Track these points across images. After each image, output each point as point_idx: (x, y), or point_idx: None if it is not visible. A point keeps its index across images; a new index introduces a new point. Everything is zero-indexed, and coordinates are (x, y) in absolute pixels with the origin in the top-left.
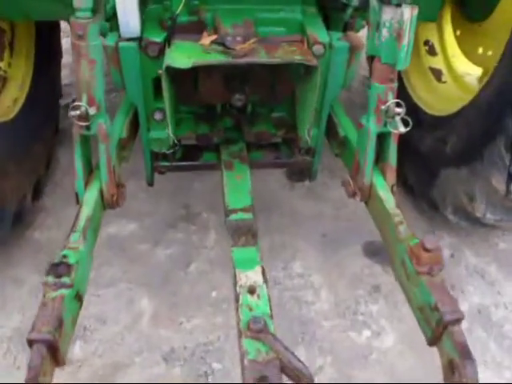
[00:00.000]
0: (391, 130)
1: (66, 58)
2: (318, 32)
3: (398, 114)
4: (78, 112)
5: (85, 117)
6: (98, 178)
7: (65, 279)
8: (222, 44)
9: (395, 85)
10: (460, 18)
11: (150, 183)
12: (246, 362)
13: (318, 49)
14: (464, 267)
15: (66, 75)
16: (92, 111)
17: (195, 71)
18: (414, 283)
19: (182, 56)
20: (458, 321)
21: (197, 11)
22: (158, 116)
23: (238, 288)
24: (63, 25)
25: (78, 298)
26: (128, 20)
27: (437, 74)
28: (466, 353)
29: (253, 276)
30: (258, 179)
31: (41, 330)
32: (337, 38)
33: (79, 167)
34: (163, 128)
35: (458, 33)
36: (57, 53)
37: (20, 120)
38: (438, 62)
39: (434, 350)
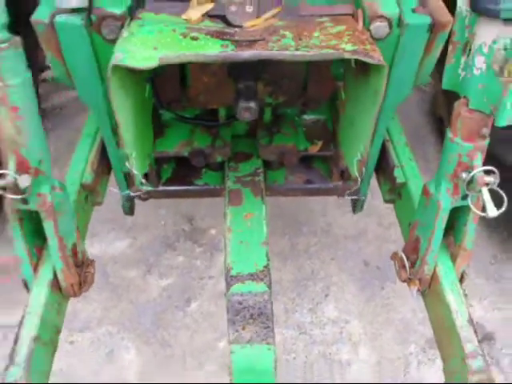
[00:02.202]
0: (473, 207)
1: None
2: (386, 6)
3: (487, 184)
4: (3, 182)
5: (15, 189)
6: (50, 261)
7: None
8: (222, 18)
9: (486, 143)
10: None
11: (128, 212)
12: None
13: (380, 27)
14: None
15: None
16: (24, 181)
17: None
18: None
19: (144, 44)
20: None
21: None
22: None
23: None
24: None
25: None
26: None
27: None
28: None
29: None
30: None
31: None
32: (410, 8)
33: (21, 250)
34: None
35: None
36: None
37: None
38: None
39: None
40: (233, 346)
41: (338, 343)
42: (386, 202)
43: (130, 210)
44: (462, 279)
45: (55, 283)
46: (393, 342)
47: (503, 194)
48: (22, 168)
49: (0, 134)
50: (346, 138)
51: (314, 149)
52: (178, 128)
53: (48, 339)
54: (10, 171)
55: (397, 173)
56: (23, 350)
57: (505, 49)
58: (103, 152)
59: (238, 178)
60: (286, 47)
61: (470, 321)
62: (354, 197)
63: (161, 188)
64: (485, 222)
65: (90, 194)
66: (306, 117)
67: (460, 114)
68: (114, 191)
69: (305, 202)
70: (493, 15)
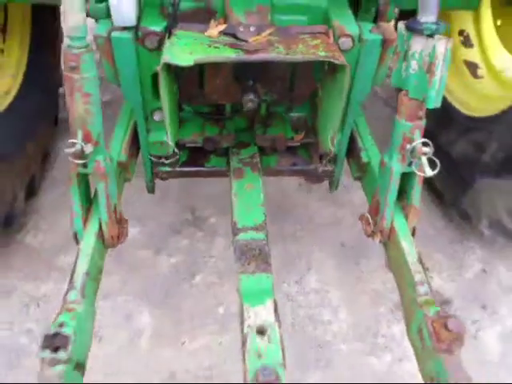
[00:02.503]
0: (416, 171)
1: None
2: (346, 22)
3: (425, 154)
4: (73, 149)
5: (80, 154)
6: (96, 217)
7: (61, 354)
8: (233, 35)
9: (423, 122)
10: (502, 4)
11: (151, 191)
12: None
13: (345, 42)
14: (497, 284)
15: None
16: (88, 149)
17: (201, 66)
18: (429, 356)
19: (183, 50)
20: None
21: None
22: (157, 116)
23: (245, 328)
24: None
25: (79, 368)
26: (122, 5)
27: (472, 68)
28: None
29: (263, 313)
30: (269, 179)
31: None
32: (368, 29)
33: (77, 206)
34: (164, 129)
35: (499, 22)
36: (55, 37)
37: (12, 113)
38: (473, 55)
39: None
40: (240, 275)
41: (320, 307)
42: (355, 179)
43: (152, 188)
44: (413, 232)
45: (100, 234)
46: (366, 306)
47: (437, 160)
48: (86, 139)
49: (73, 113)
50: (323, 128)
51: (298, 137)
52: (192, 122)
53: (94, 276)
54: (78, 141)
55: (362, 154)
56: (78, 280)
57: (428, 55)
58: (134, 139)
59: (240, 160)
60: (280, 53)
61: (419, 259)
62: (330, 177)
63: (178, 169)
64: (445, 212)
65: (123, 171)
66: (291, 114)
67: (403, 102)
68: None
69: (290, 196)
70: (419, 33)
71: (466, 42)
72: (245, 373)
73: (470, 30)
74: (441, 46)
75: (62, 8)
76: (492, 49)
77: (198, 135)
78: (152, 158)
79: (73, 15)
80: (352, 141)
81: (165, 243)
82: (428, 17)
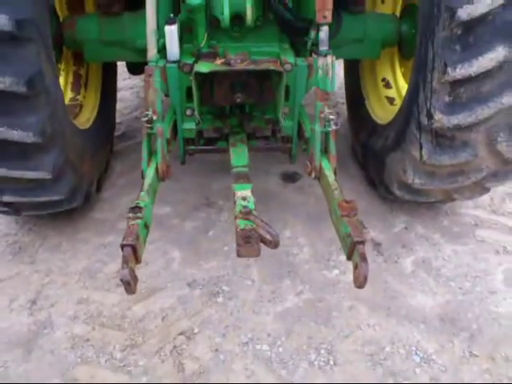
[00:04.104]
0: (329, 129)
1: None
2: (288, 57)
3: (332, 119)
4: (146, 118)
5: (150, 121)
6: (155, 160)
7: (138, 214)
8: (228, 63)
9: (330, 103)
10: (401, 58)
11: (183, 162)
12: (238, 230)
13: (287, 66)
14: (414, 234)
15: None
16: (154, 118)
17: (212, 81)
18: (340, 221)
19: (203, 68)
20: (362, 242)
21: (213, 46)
22: (188, 112)
23: (236, 198)
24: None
25: (146, 225)
26: (173, 51)
27: (390, 100)
28: (363, 258)
29: (245, 193)
30: (261, 181)
31: (128, 240)
32: (300, 60)
33: (145, 153)
34: (192, 121)
35: (403, 70)
36: (114, 93)
37: (92, 130)
38: (392, 93)
39: None
40: (234, 185)
41: (291, 246)
42: (303, 150)
43: (183, 160)
44: (335, 172)
45: (156, 172)
46: (322, 246)
47: (338, 122)
48: (154, 112)
49: (147, 99)
50: (278, 109)
51: (269, 128)
52: (207, 118)
53: (153, 193)
54: (149, 113)
55: (305, 133)
56: (145, 190)
57: (326, 64)
58: (173, 127)
59: (235, 140)
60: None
61: (336, 182)
62: (289, 152)
63: (199, 147)
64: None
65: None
66: (265, 116)
67: (317, 92)
68: None
69: (274, 190)
70: (321, 54)
71: (387, 85)
72: (234, 212)
73: (390, 77)
74: (329, 59)
75: (147, 46)
76: (403, 88)
77: (211, 126)
78: (183, 139)
79: (151, 50)
80: (299, 126)
81: (188, 215)
82: (323, 47)
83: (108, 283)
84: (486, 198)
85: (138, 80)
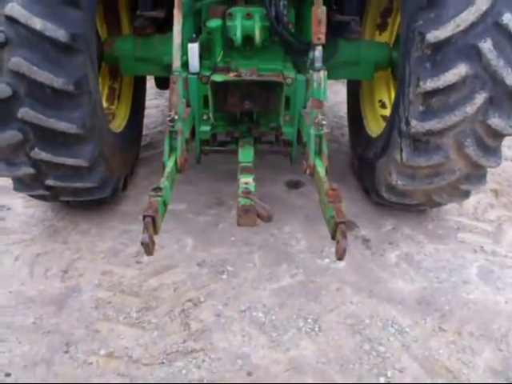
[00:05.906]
0: (321, 132)
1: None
2: (290, 73)
3: (324, 124)
4: (169, 118)
5: (172, 120)
6: (174, 154)
7: (159, 193)
8: (239, 75)
9: (323, 110)
10: (395, 82)
11: (198, 161)
12: (239, 206)
13: (288, 80)
14: (400, 234)
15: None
16: (176, 118)
17: (225, 91)
18: (326, 206)
19: (219, 78)
20: (344, 222)
21: (228, 62)
22: (204, 117)
23: (240, 183)
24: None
25: (164, 203)
26: (194, 64)
27: (384, 118)
28: (344, 236)
29: (248, 179)
30: (267, 187)
31: (149, 211)
32: (300, 76)
33: (166, 148)
34: (208, 124)
35: (393, 93)
36: (142, 105)
37: (123, 134)
38: (386, 112)
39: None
40: (239, 176)
41: (290, 239)
42: (302, 154)
43: (199, 160)
44: (326, 170)
45: (175, 164)
46: (317, 240)
47: (328, 126)
48: (175, 113)
49: (171, 102)
50: (280, 117)
51: (272, 133)
52: (219, 123)
53: (171, 182)
54: (172, 113)
55: (304, 138)
56: (165, 176)
57: (319, 78)
58: (192, 130)
59: (243, 142)
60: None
61: (326, 179)
62: (290, 155)
63: (213, 148)
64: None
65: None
66: (270, 124)
67: (311, 101)
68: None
69: (279, 195)
70: (316, 69)
71: (383, 106)
72: (238, 192)
73: (386, 99)
74: (322, 73)
75: (173, 59)
76: None
77: (223, 130)
78: (200, 141)
79: (175, 63)
80: (299, 133)
81: (201, 211)
82: (317, 64)
83: (128, 260)
84: (470, 206)
85: (163, 100)
